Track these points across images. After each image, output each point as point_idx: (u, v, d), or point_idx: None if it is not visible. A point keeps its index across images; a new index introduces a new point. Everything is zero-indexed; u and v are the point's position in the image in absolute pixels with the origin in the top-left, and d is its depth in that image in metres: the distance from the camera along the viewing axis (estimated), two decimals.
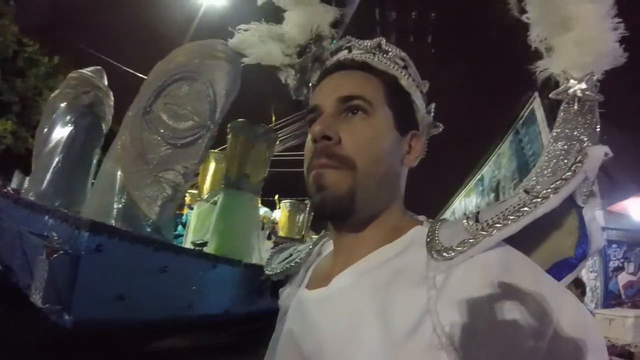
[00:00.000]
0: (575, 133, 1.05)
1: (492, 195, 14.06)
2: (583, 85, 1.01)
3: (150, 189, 4.79)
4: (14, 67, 17.90)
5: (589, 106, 1.03)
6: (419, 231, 0.69)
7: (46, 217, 5.13)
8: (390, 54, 0.76)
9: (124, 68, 13.45)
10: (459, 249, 0.59)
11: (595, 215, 0.84)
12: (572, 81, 1.14)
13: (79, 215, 4.72)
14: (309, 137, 0.71)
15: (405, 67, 0.76)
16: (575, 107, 1.01)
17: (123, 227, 4.70)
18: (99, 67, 8.14)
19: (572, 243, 0.74)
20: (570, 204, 0.75)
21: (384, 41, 0.76)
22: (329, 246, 0.83)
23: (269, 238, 9.89)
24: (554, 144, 1.09)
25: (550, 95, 1.16)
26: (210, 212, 7.58)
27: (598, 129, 1.06)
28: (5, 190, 12.82)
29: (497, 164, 14.13)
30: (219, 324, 5.51)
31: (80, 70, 7.82)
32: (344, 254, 0.73)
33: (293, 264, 0.89)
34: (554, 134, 1.13)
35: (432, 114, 0.84)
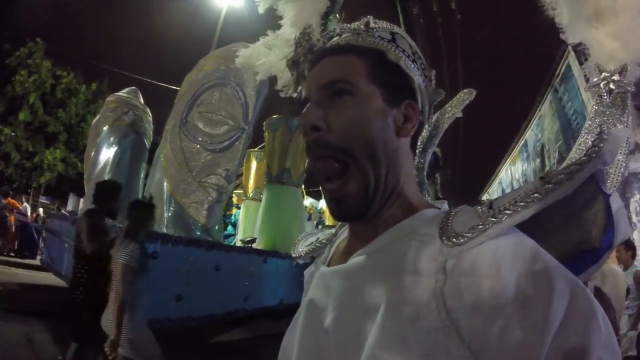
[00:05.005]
0: (606, 126, 1.01)
1: (538, 160, 13.40)
2: (616, 77, 1.00)
3: (196, 195, 5.04)
4: (54, 99, 18.90)
5: (621, 98, 1.01)
6: (433, 215, 0.68)
7: None
8: (375, 31, 0.75)
9: (157, 83, 13.94)
10: (468, 234, 0.59)
11: (622, 203, 0.80)
12: (604, 74, 1.05)
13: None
14: None
15: (392, 40, 0.75)
16: (608, 99, 0.99)
17: (175, 233, 4.99)
18: (134, 87, 8.54)
19: (598, 232, 0.71)
20: (596, 191, 0.71)
21: (371, 19, 0.76)
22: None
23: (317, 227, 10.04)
24: (586, 136, 1.05)
25: (584, 89, 1.12)
26: (256, 209, 7.79)
27: (630, 121, 0.98)
28: (62, 212, 13.66)
29: (540, 127, 13.54)
30: (276, 313, 5.70)
31: (117, 93, 8.25)
32: (359, 232, 0.73)
33: (319, 245, 0.91)
34: (586, 126, 1.09)
35: (433, 81, 0.82)
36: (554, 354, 0.49)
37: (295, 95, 0.90)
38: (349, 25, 0.78)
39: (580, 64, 10.16)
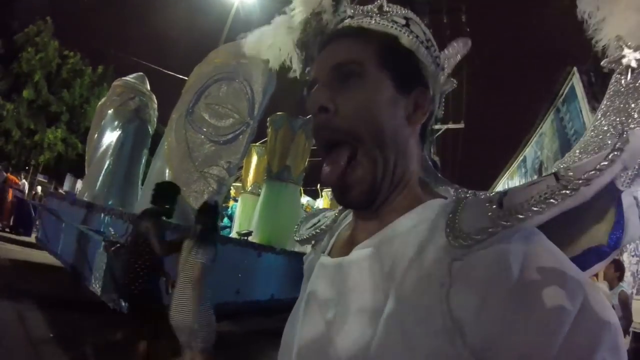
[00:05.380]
0: (625, 106, 0.95)
1: (535, 177, 13.48)
2: (638, 55, 0.92)
3: (197, 185, 5.09)
4: (59, 79, 18.96)
5: None
6: (441, 206, 0.65)
7: (102, 215, 5.57)
8: (390, 14, 0.73)
9: (165, 71, 13.94)
10: (477, 237, 0.56)
11: (634, 200, 0.76)
12: (626, 49, 0.96)
13: (133, 212, 5.05)
14: None
15: (406, 25, 0.72)
16: (628, 78, 0.92)
17: (173, 221, 5.03)
18: (141, 73, 8.53)
19: (607, 230, 0.69)
20: (609, 187, 0.66)
21: (385, 2, 0.74)
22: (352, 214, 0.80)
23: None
24: (602, 119, 0.99)
25: (602, 64, 0.96)
26: (254, 203, 7.87)
27: None
28: (60, 192, 13.66)
29: (540, 144, 13.64)
30: (265, 309, 5.74)
31: (124, 78, 8.26)
32: (364, 221, 0.71)
33: (319, 231, 0.87)
34: (603, 107, 1.02)
35: (446, 69, 0.80)
36: (564, 354, 0.48)
37: (304, 77, 0.86)
38: (361, 7, 0.76)
39: (584, 86, 10.26)
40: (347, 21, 0.75)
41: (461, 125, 15.37)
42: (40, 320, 4.57)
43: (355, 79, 0.67)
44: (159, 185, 4.07)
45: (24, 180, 13.63)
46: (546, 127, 13.19)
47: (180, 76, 12.04)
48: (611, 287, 4.45)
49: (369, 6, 0.74)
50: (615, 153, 0.62)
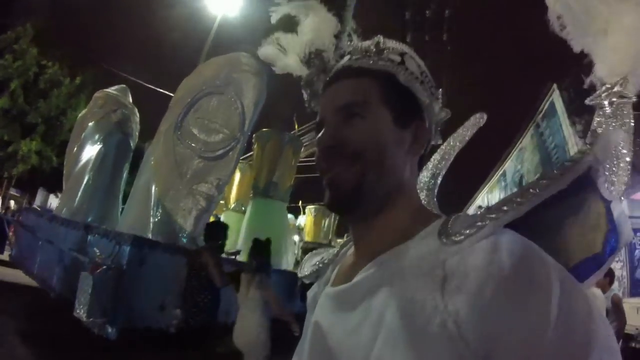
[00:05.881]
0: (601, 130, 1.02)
1: (516, 190, 13.85)
2: (617, 89, 0.98)
3: (185, 202, 4.90)
4: (36, 89, 18.40)
5: (622, 107, 1.07)
6: (436, 223, 0.67)
7: (84, 234, 5.31)
8: (386, 52, 0.78)
9: (146, 85, 13.67)
10: (466, 232, 0.60)
11: (624, 208, 0.80)
12: (605, 86, 1.11)
13: (120, 231, 4.85)
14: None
15: (402, 63, 0.77)
16: (608, 110, 0.97)
17: (160, 239, 4.85)
18: (124, 86, 8.35)
19: (601, 238, 0.71)
20: (596, 197, 0.72)
21: (381, 39, 0.79)
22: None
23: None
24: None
25: (586, 102, 1.11)
26: (238, 221, 7.71)
27: (631, 128, 1.01)
28: (35, 207, 13.17)
29: (519, 159, 13.95)
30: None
31: (106, 90, 8.06)
32: (363, 249, 0.74)
33: (321, 265, 0.91)
34: (588, 138, 1.09)
35: (440, 100, 0.83)
36: (555, 352, 0.49)
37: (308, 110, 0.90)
38: (360, 44, 0.81)
39: (564, 102, 10.54)
40: (347, 60, 0.80)
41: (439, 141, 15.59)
42: (19, 343, 4.34)
43: (359, 118, 0.72)
44: (210, 225, 4.54)
45: None
46: (526, 141, 13.53)
47: (164, 91, 11.86)
48: (603, 292, 4.60)
49: (367, 43, 0.79)
50: (587, 146, 0.69)
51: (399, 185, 0.73)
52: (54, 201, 17.71)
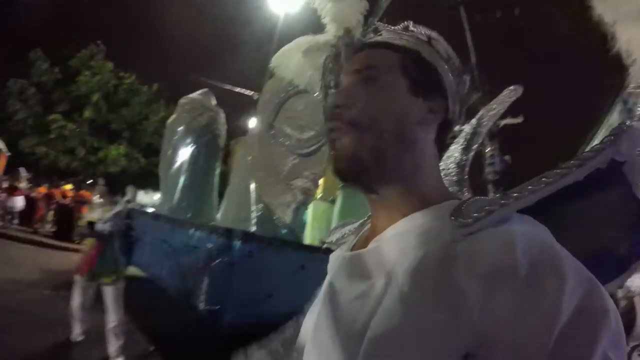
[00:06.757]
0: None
1: None
2: None
3: (284, 197, 5.27)
4: (117, 98, 19.86)
5: None
6: (450, 204, 0.67)
7: (193, 231, 5.77)
8: (414, 33, 0.78)
9: (224, 86, 14.33)
10: (476, 215, 0.59)
11: None
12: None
13: (230, 227, 5.24)
14: None
15: (428, 42, 0.77)
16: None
17: (262, 233, 5.21)
18: (206, 89, 8.80)
19: (628, 238, 0.67)
20: (627, 194, 0.65)
21: (411, 23, 0.79)
22: None
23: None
24: None
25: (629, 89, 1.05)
26: (326, 211, 7.92)
27: None
28: (143, 210, 13.91)
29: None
30: None
31: (190, 95, 8.54)
32: (379, 219, 0.74)
33: (347, 233, 0.94)
34: (613, 129, 1.01)
35: (467, 84, 0.82)
36: (562, 345, 0.49)
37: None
38: (388, 25, 0.81)
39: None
40: (372, 34, 0.81)
41: (519, 120, 14.82)
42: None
43: (374, 82, 0.73)
44: None
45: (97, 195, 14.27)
46: (614, 119, 12.54)
47: (238, 90, 12.31)
48: None
49: (396, 26, 0.80)
50: (610, 137, 0.64)
51: (411, 157, 0.71)
52: (143, 197, 18.88)
